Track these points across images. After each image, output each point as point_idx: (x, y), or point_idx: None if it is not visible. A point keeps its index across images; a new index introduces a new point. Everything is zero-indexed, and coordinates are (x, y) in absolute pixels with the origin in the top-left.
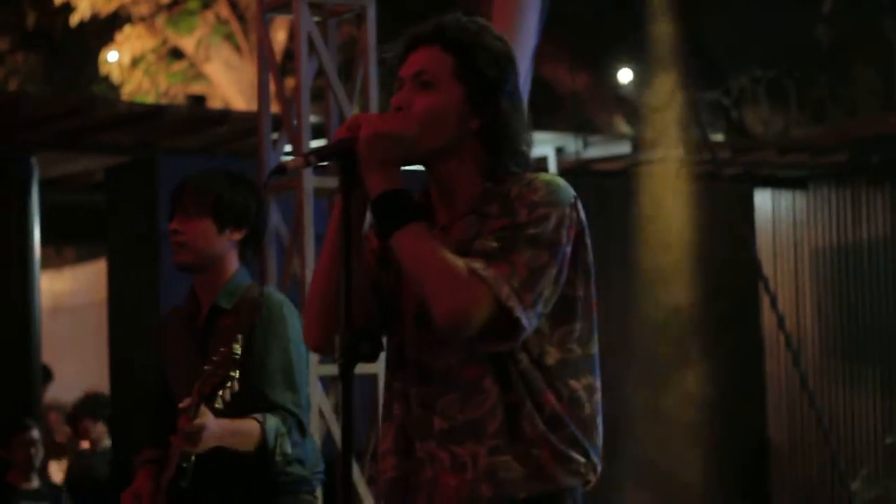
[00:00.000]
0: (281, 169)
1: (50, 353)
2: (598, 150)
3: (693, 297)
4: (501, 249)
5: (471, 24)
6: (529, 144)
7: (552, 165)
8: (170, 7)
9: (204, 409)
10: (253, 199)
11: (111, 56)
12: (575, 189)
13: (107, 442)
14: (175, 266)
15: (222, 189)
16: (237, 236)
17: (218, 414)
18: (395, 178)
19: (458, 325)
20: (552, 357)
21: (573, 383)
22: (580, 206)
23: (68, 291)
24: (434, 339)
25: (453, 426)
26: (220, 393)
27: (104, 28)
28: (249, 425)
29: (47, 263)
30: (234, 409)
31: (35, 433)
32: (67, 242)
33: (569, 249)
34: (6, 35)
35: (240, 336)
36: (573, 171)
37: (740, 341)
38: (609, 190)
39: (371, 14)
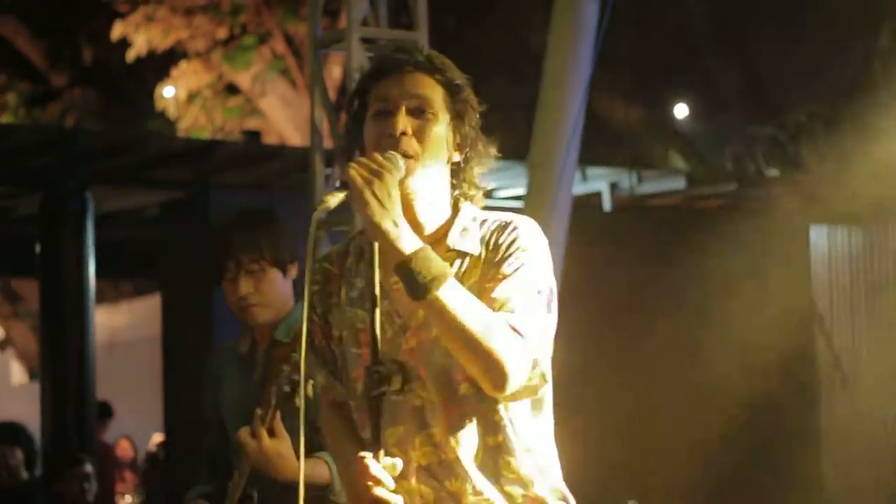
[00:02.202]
0: (325, 205)
1: (106, 387)
2: (652, 185)
3: (748, 336)
4: (526, 304)
5: (443, 57)
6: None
7: (606, 200)
8: (226, 42)
9: (262, 429)
10: (287, 233)
11: (167, 91)
12: (629, 224)
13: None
14: (253, 327)
15: (270, 237)
16: (294, 272)
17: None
18: (411, 237)
19: (504, 385)
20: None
21: (542, 423)
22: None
23: (125, 325)
24: (411, 377)
25: (432, 463)
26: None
27: (160, 63)
28: (320, 468)
29: (104, 298)
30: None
31: (88, 467)
32: (123, 277)
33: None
34: (64, 71)
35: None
36: (627, 206)
37: (795, 378)
38: (663, 225)
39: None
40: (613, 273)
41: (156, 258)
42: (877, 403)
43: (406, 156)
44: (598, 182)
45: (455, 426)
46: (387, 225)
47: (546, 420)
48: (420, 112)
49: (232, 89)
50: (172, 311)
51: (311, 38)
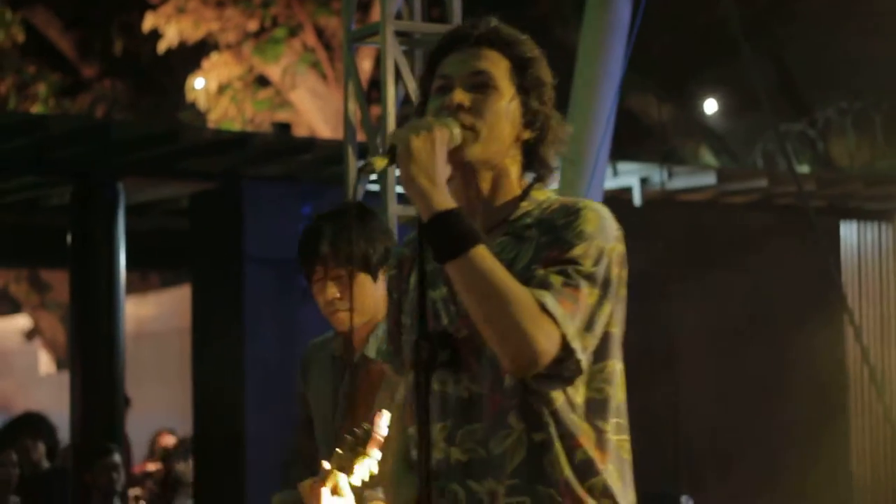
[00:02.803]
0: (371, 167)
1: (133, 378)
2: (682, 180)
3: (778, 331)
4: (565, 285)
5: (514, 29)
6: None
7: (637, 196)
8: (256, 35)
9: (337, 482)
10: (384, 233)
11: (198, 83)
12: (660, 220)
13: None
14: (341, 332)
15: (363, 242)
16: (385, 276)
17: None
18: (446, 196)
19: (527, 364)
20: (581, 396)
21: (601, 424)
22: (622, 238)
23: (152, 316)
24: (459, 367)
25: (472, 459)
26: (357, 470)
27: (191, 55)
28: None
29: (132, 288)
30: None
31: (117, 458)
32: (152, 268)
33: (615, 286)
34: (94, 62)
35: (387, 415)
36: (658, 201)
37: (824, 373)
38: (694, 220)
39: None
40: (643, 267)
41: (186, 249)
42: None
43: (468, 126)
44: (629, 177)
45: (498, 421)
46: (421, 180)
47: (604, 416)
48: (480, 86)
49: (262, 81)
50: (202, 301)
51: (345, 31)
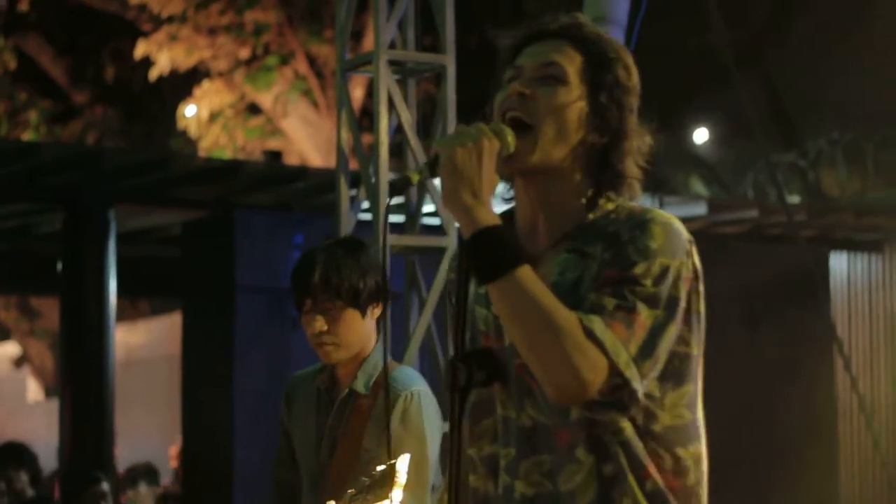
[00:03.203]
0: (406, 181)
1: (122, 405)
2: (673, 210)
3: (768, 361)
4: (618, 308)
5: (604, 33)
6: (639, 173)
7: None
8: (248, 62)
9: None
10: (376, 269)
11: (189, 110)
12: None
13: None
14: (327, 364)
15: (355, 275)
16: (377, 313)
17: None
18: (489, 212)
19: (571, 395)
20: (661, 424)
21: (681, 452)
22: (694, 249)
23: (142, 344)
24: (522, 392)
25: (539, 494)
26: None
27: (182, 82)
28: None
29: (122, 316)
30: None
31: (105, 486)
32: (143, 295)
33: (683, 304)
34: (85, 89)
35: (408, 457)
36: None
37: (813, 403)
38: None
39: (451, 73)
40: None
41: (176, 277)
42: (893, 426)
43: (520, 123)
44: None
45: (566, 455)
46: (464, 195)
47: (684, 444)
48: (547, 78)
49: (254, 109)
50: (193, 329)
51: (338, 60)
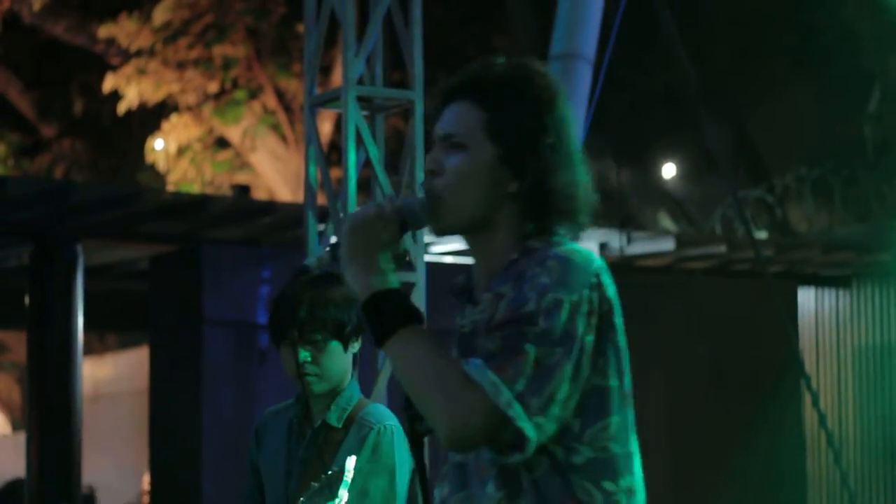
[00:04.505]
0: (305, 271)
1: (89, 439)
2: (641, 246)
3: (736, 396)
4: (504, 349)
5: (510, 68)
6: (579, 204)
7: None
8: (216, 97)
9: None
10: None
11: (157, 144)
12: (619, 285)
13: None
14: (300, 397)
15: (339, 309)
16: (356, 347)
17: None
18: (379, 277)
19: (460, 440)
20: (583, 456)
21: (610, 486)
22: (605, 280)
23: (109, 378)
24: None
25: None
26: None
27: (151, 116)
28: None
29: (90, 350)
30: None
31: None
32: (111, 329)
33: (591, 338)
34: (54, 122)
35: (354, 458)
36: (617, 266)
37: (782, 438)
38: (653, 286)
39: (419, 109)
40: None
41: (144, 311)
42: (861, 462)
43: (434, 195)
44: (588, 242)
45: (481, 489)
46: (354, 267)
47: (612, 478)
48: (450, 148)
49: (222, 143)
50: (160, 364)
51: (306, 95)
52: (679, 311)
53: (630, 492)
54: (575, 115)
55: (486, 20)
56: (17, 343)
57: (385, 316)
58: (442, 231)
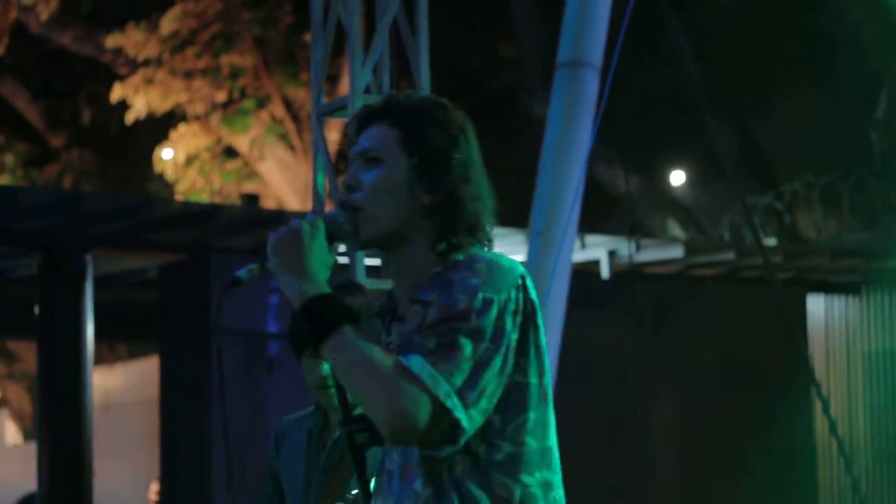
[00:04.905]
0: (236, 282)
1: (100, 449)
2: (650, 253)
3: (746, 403)
4: (440, 344)
5: (422, 97)
6: (487, 218)
7: (605, 268)
8: (224, 106)
9: None
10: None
11: (166, 154)
12: (628, 292)
13: None
14: (320, 407)
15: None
16: None
17: None
18: (310, 283)
19: (401, 432)
20: (503, 452)
21: (526, 479)
22: (529, 283)
23: (120, 387)
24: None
25: None
26: None
27: (159, 126)
28: None
29: (100, 359)
30: None
31: None
32: (120, 339)
33: (515, 336)
34: (62, 131)
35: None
36: (626, 274)
37: (792, 446)
38: (662, 293)
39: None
40: (612, 339)
41: (154, 321)
42: (872, 469)
43: (354, 207)
44: (597, 250)
45: (407, 488)
46: (286, 275)
47: (528, 471)
48: (367, 162)
49: (230, 152)
50: (170, 373)
51: (313, 105)
52: (688, 318)
53: (547, 485)
54: (584, 123)
55: (492, 28)
56: (27, 353)
57: (319, 319)
58: (364, 243)
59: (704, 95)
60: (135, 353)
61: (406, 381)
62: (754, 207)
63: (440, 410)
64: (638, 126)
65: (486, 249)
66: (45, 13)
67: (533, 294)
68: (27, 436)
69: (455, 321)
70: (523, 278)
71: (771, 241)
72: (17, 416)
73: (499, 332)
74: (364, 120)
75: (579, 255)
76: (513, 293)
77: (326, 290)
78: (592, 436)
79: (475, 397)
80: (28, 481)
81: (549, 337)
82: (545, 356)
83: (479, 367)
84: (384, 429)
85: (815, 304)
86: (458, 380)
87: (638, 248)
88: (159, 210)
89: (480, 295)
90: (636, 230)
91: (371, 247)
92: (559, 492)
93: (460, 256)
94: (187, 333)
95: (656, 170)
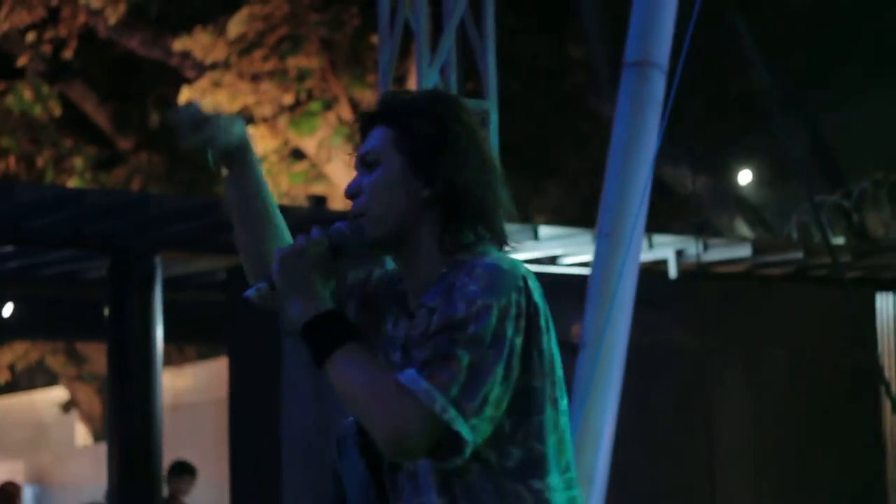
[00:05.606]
0: (248, 303)
1: (169, 449)
2: (718, 252)
3: (815, 403)
4: (436, 356)
5: (418, 93)
6: (494, 208)
7: (672, 268)
8: (292, 108)
9: None
10: None
11: None
12: (696, 292)
13: None
14: None
15: None
16: None
17: None
18: (315, 301)
19: (399, 449)
20: (514, 459)
21: (536, 484)
22: (532, 285)
23: (188, 388)
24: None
25: None
26: None
27: None
28: None
29: (169, 361)
30: None
31: None
32: (189, 340)
33: (519, 340)
34: (130, 134)
35: None
36: (694, 273)
37: (861, 447)
38: (730, 293)
39: (493, 118)
40: (680, 339)
41: (222, 322)
42: None
43: (357, 213)
44: (665, 249)
45: (427, 497)
46: (290, 298)
47: (540, 476)
48: (366, 166)
49: (297, 154)
50: (240, 374)
51: None
52: (756, 318)
53: (560, 489)
54: (651, 123)
55: (559, 29)
56: (96, 354)
57: (321, 338)
58: (371, 245)
59: (773, 95)
60: (203, 355)
61: (401, 398)
62: (822, 206)
63: (437, 425)
64: (705, 126)
65: (497, 246)
66: (112, 17)
67: (536, 296)
68: (97, 437)
69: (452, 331)
70: (525, 280)
71: (839, 240)
72: (87, 418)
73: (499, 337)
74: (364, 126)
75: (647, 255)
76: (513, 297)
77: (329, 306)
78: (660, 436)
79: (476, 407)
80: (99, 483)
81: (617, 337)
82: (554, 359)
83: (479, 375)
84: (384, 447)
85: (885, 303)
86: (455, 391)
87: (705, 247)
88: (227, 212)
89: (479, 302)
90: (703, 230)
91: (378, 248)
92: (573, 492)
93: (465, 256)
94: (256, 334)
95: (723, 169)
